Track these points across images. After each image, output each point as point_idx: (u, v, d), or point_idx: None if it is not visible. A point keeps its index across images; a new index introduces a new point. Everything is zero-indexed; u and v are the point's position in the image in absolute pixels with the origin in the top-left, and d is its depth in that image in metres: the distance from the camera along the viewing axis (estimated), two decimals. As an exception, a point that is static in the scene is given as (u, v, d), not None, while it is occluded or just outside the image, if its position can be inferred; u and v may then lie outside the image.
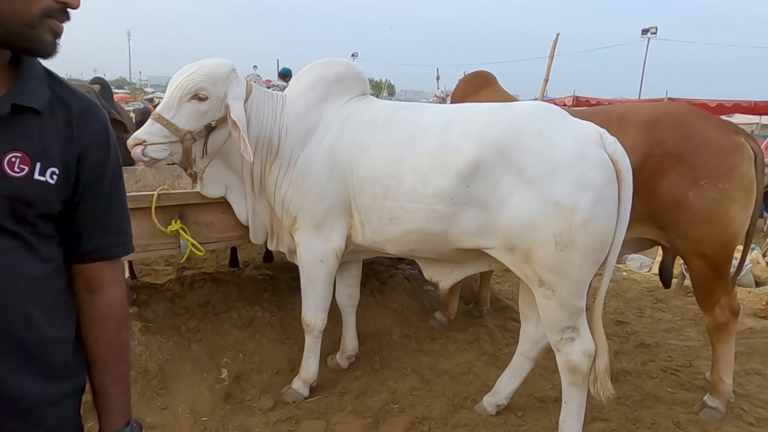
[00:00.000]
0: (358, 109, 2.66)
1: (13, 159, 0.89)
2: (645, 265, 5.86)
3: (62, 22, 0.94)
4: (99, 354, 1.08)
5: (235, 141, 2.51)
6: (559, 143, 2.24)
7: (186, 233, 2.74)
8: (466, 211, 2.35)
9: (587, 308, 2.40)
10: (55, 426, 1.01)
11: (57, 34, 0.94)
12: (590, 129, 2.30)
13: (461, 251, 2.50)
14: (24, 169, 0.90)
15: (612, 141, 2.30)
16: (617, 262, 5.67)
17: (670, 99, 13.86)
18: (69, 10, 0.94)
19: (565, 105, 15.97)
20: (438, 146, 2.38)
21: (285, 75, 7.37)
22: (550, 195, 2.20)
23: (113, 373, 1.10)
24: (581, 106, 15.37)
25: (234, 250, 4.28)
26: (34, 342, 0.94)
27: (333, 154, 2.58)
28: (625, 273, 5.42)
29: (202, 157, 2.60)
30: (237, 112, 2.46)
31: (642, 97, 19.41)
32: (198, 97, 2.49)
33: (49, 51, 0.94)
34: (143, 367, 2.79)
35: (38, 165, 0.92)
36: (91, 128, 1.01)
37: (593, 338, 2.38)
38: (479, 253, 2.49)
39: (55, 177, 0.94)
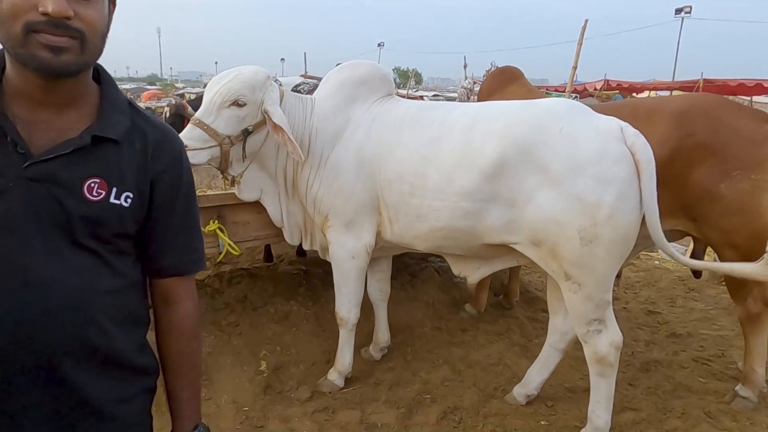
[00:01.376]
0: (385, 109, 2.74)
1: (92, 184, 0.99)
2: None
3: (54, 35, 0.91)
4: (171, 362, 1.19)
5: (276, 144, 2.68)
6: (582, 140, 2.27)
7: (224, 233, 2.88)
8: (492, 208, 2.41)
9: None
10: (126, 422, 1.11)
11: (53, 48, 0.91)
12: (612, 124, 2.32)
13: (488, 247, 2.57)
14: (101, 194, 1.00)
15: (632, 133, 2.32)
16: (649, 251, 5.64)
17: (705, 80, 13.51)
18: (64, 19, 0.90)
19: (595, 89, 15.70)
20: (463, 145, 2.44)
21: None
22: (574, 192, 2.24)
23: (184, 380, 1.20)
24: (612, 90, 15.07)
25: (268, 246, 4.42)
26: (107, 349, 1.04)
27: (361, 154, 2.67)
28: (657, 262, 5.37)
29: (241, 161, 2.74)
30: (279, 117, 2.58)
31: (676, 79, 18.84)
32: (237, 103, 2.61)
33: (48, 68, 0.93)
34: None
35: (114, 190, 1.01)
36: (165, 155, 1.10)
37: None
38: (506, 249, 2.55)
39: (129, 200, 1.03)
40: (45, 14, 0.89)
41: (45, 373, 0.97)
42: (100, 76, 1.08)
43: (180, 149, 1.14)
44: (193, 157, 2.58)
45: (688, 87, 13.14)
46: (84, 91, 1.04)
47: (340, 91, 2.79)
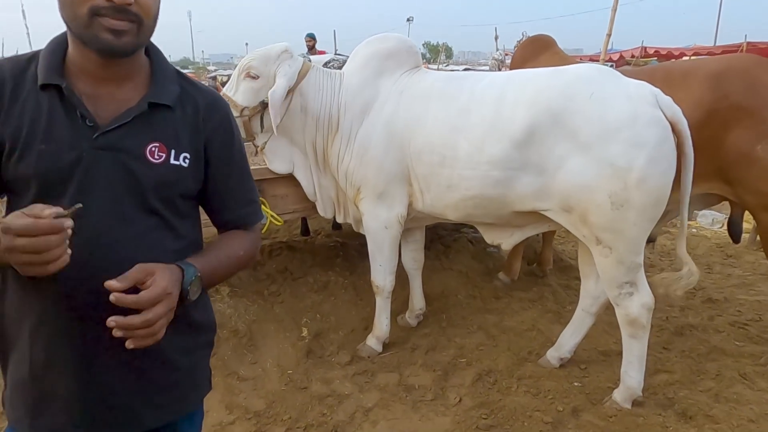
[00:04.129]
0: (413, 82, 2.79)
1: (153, 148, 1.09)
2: (717, 220, 5.68)
3: (116, 19, 1.00)
4: (224, 238, 1.25)
5: (300, 118, 2.81)
6: (612, 105, 2.29)
7: (265, 206, 3.00)
8: (522, 175, 2.45)
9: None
10: (189, 371, 1.22)
11: (115, 31, 1.00)
12: (644, 89, 2.33)
13: (518, 214, 2.61)
14: (162, 156, 1.10)
15: (667, 100, 2.33)
16: (688, 220, 5.57)
17: (749, 43, 12.96)
18: (125, 5, 0.99)
19: (632, 56, 15.24)
20: (492, 114, 2.48)
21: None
22: (604, 157, 2.27)
23: (220, 245, 1.22)
24: (650, 57, 14.60)
25: (304, 219, 4.55)
26: None
27: (390, 127, 2.73)
28: (694, 230, 5.30)
29: (262, 132, 2.88)
30: (277, 89, 2.69)
31: (718, 44, 18.08)
32: (250, 75, 2.79)
33: (111, 49, 1.02)
34: (234, 327, 3.12)
35: (173, 152, 1.11)
36: (215, 117, 1.19)
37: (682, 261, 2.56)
38: (537, 216, 2.60)
39: (187, 161, 1.13)
40: (110, 0, 0.98)
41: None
42: (148, 49, 1.17)
43: (227, 111, 1.24)
44: None
45: (730, 51, 12.62)
46: (138, 65, 1.13)
47: (368, 65, 2.85)
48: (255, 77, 2.78)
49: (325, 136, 2.89)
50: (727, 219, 3.62)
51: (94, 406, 1.10)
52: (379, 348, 3.12)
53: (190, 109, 1.16)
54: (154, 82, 1.13)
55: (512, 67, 4.09)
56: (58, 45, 1.09)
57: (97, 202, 1.05)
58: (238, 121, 2.80)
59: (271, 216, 3.00)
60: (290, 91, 2.77)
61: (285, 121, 2.83)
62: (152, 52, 1.18)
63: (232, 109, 2.80)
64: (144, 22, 1.04)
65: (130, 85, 1.11)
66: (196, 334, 1.24)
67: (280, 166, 3.01)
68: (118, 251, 1.06)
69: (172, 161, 1.12)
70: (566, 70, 2.51)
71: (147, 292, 0.97)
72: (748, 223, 4.15)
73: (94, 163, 1.05)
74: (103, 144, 1.06)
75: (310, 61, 2.97)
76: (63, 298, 1.05)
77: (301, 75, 2.81)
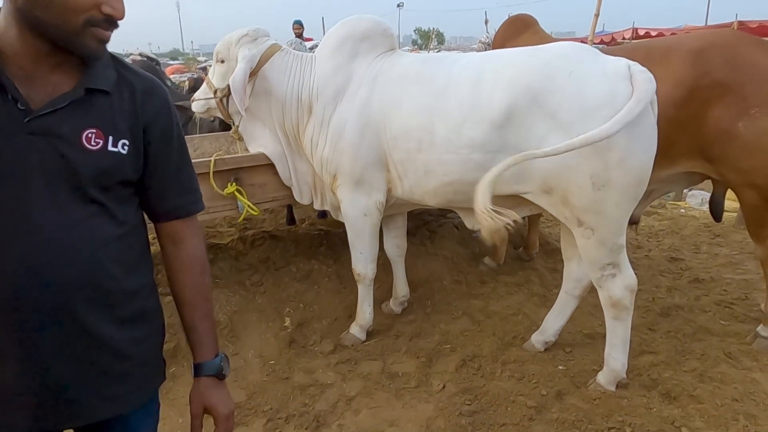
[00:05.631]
0: (388, 65, 2.72)
1: (90, 135, 1.06)
2: (706, 201, 5.65)
3: (108, 30, 1.04)
4: (187, 296, 1.26)
5: (266, 101, 2.88)
6: (591, 83, 2.24)
7: (242, 195, 2.95)
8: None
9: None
10: (140, 360, 1.20)
11: (102, 40, 1.04)
12: (620, 64, 2.27)
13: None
14: (99, 143, 1.06)
15: (637, 68, 2.26)
16: (675, 200, 5.55)
17: (740, 23, 12.90)
18: (119, 19, 1.04)
19: (623, 38, 15.16)
20: (470, 97, 2.42)
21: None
22: (585, 136, 2.21)
23: (200, 311, 1.27)
24: (641, 39, 14.53)
25: (290, 208, 4.50)
26: (116, 292, 1.11)
27: (365, 112, 2.67)
28: (683, 210, 5.28)
29: (237, 114, 2.92)
30: (237, 73, 2.73)
31: (709, 23, 18.03)
32: (218, 59, 2.93)
33: (94, 56, 1.06)
34: (214, 319, 3.07)
35: (111, 138, 1.08)
36: (153, 103, 1.15)
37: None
38: (518, 199, 2.55)
39: (126, 147, 1.10)
40: (108, 15, 1.02)
41: (60, 314, 1.04)
42: None
43: (165, 96, 1.20)
44: (196, 107, 3.08)
45: (721, 31, 12.53)
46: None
47: (341, 48, 2.78)
48: (221, 61, 2.91)
49: (294, 120, 2.85)
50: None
51: (43, 399, 1.07)
52: (363, 336, 3.09)
53: (128, 94, 1.12)
54: (90, 66, 1.09)
55: (494, 47, 4.03)
56: None
57: (33, 190, 1.01)
58: (211, 102, 3.02)
59: (248, 206, 2.95)
60: (253, 74, 2.77)
61: (252, 103, 2.84)
62: None
63: (209, 91, 2.99)
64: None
65: (65, 69, 1.07)
66: (145, 323, 1.21)
67: (253, 147, 3.05)
68: (58, 240, 1.03)
69: (110, 148, 1.08)
70: (543, 49, 2.45)
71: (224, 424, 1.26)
72: (736, 202, 4.12)
73: (27, 149, 1.01)
74: (35, 128, 1.01)
75: (275, 43, 2.93)
76: (4, 290, 1.01)
77: (264, 58, 2.80)
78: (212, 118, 3.78)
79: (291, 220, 4.55)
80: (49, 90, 1.04)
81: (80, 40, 1.01)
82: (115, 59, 1.15)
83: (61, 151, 1.03)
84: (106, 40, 1.05)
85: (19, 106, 1.00)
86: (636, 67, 2.26)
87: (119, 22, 1.06)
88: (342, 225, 3.04)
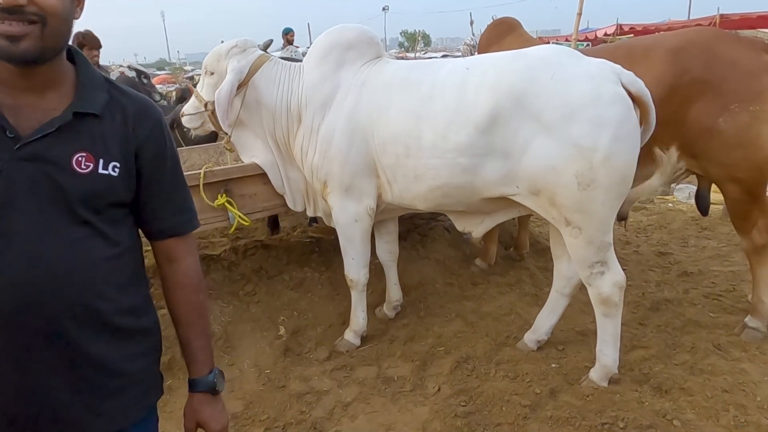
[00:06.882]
0: (374, 72, 2.75)
1: (80, 158, 1.06)
2: (693, 194, 5.73)
3: (8, 21, 0.95)
4: (181, 314, 1.28)
5: (256, 111, 2.90)
6: (574, 85, 2.28)
7: (233, 206, 2.97)
8: (488, 161, 2.43)
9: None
10: (136, 377, 1.20)
11: (9, 36, 0.96)
12: (605, 67, 2.32)
13: (487, 201, 2.60)
14: (90, 166, 1.07)
15: (630, 76, 2.33)
16: (663, 195, 5.61)
17: (722, 16, 13.05)
18: (20, 6, 0.94)
19: (606, 35, 15.30)
20: (455, 101, 2.45)
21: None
22: (569, 137, 2.25)
23: (195, 329, 1.29)
24: (626, 35, 14.66)
25: (273, 218, 4.46)
26: (109, 311, 1.12)
27: (353, 119, 2.70)
28: (671, 204, 5.34)
29: (228, 126, 2.93)
30: (224, 85, 2.76)
31: (692, 18, 18.23)
32: (207, 72, 2.95)
33: (9, 56, 0.98)
34: (210, 335, 3.08)
35: (101, 161, 1.08)
36: (145, 124, 1.16)
37: None
38: (507, 201, 2.58)
39: (117, 170, 1.10)
40: None
41: (52, 335, 1.05)
42: (74, 57, 1.14)
43: (159, 118, 1.21)
44: (187, 122, 3.08)
45: (705, 25, 12.71)
46: (60, 73, 1.10)
47: (328, 57, 2.81)
48: (211, 73, 2.92)
49: (285, 130, 2.88)
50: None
51: (37, 418, 1.08)
52: (357, 342, 3.10)
53: (119, 117, 1.13)
54: (79, 90, 1.10)
55: (479, 51, 4.08)
56: None
57: (24, 215, 1.02)
58: (204, 116, 3.01)
59: (239, 216, 2.96)
60: (242, 85, 2.80)
61: (243, 114, 2.87)
62: (77, 60, 1.14)
63: (199, 105, 2.98)
64: (48, 22, 0.99)
65: (53, 95, 1.08)
66: (140, 339, 1.22)
67: (247, 158, 3.07)
68: (50, 264, 1.04)
69: (101, 171, 1.08)
70: (527, 53, 2.49)
71: None
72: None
73: (17, 175, 1.02)
74: (26, 155, 1.02)
75: (265, 54, 2.96)
76: None
77: (254, 68, 2.83)
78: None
79: (274, 227, 4.52)
80: (38, 116, 1.04)
81: None
82: (109, 83, 1.16)
83: (52, 175, 1.04)
84: (18, 35, 0.96)
85: (8, 133, 1.01)
86: (626, 73, 2.35)
87: (38, 13, 0.96)
88: (333, 232, 3.06)
